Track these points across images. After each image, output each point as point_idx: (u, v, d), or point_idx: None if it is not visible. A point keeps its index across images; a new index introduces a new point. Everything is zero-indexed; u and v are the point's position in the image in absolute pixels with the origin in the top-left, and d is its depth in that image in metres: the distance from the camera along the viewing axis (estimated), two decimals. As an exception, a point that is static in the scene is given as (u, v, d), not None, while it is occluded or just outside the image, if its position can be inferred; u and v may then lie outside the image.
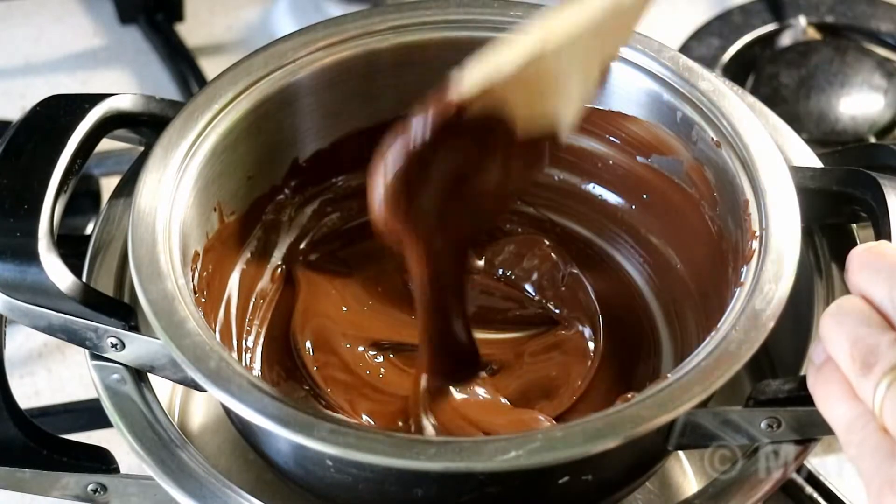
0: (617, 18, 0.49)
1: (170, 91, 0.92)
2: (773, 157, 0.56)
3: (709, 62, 0.87)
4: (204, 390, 0.49)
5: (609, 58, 0.53)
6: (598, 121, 0.64)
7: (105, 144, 0.60)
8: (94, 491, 0.54)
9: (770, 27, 0.91)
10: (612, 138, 0.64)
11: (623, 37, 0.53)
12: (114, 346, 0.53)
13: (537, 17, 0.49)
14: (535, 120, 0.51)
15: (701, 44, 0.90)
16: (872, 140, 0.81)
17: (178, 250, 0.54)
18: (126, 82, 0.94)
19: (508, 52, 0.48)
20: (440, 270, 0.55)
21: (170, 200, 0.55)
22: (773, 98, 0.83)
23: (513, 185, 0.55)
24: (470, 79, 0.48)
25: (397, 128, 0.50)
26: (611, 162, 0.65)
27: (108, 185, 0.79)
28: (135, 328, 0.52)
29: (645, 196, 0.64)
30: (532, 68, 0.48)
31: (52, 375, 0.75)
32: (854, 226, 0.59)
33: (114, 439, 0.54)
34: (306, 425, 0.47)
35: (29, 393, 0.74)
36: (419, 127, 0.48)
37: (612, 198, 0.66)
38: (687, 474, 0.62)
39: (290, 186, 0.64)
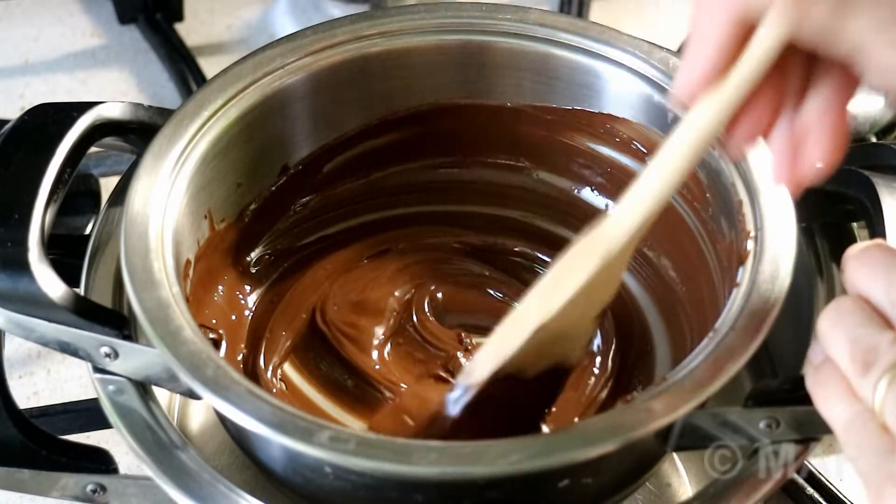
0: (603, 276, 0.51)
1: (169, 91, 0.92)
2: (766, 156, 0.56)
3: (709, 61, 0.87)
4: (200, 398, 0.49)
5: (602, 303, 0.54)
6: (587, 123, 0.63)
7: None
8: (94, 491, 0.54)
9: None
10: (601, 140, 0.64)
11: (613, 285, 0.54)
12: (107, 355, 0.52)
13: (532, 292, 0.52)
14: (542, 362, 0.54)
15: (701, 43, 0.89)
16: (873, 140, 0.81)
17: (172, 258, 0.53)
18: (125, 82, 0.94)
19: (510, 339, 0.51)
20: None
21: (161, 209, 0.55)
22: (774, 97, 0.82)
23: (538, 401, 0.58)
24: (481, 371, 0.53)
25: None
26: (600, 164, 0.65)
27: (108, 184, 0.79)
28: (128, 337, 0.52)
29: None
30: (532, 342, 0.51)
31: (51, 376, 0.75)
32: (854, 225, 0.59)
33: (113, 440, 0.54)
34: (306, 432, 0.46)
35: (28, 393, 0.73)
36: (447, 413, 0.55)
37: (601, 201, 0.66)
38: (686, 475, 0.63)
39: (280, 193, 0.64)
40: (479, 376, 0.53)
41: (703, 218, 0.59)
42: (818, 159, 0.45)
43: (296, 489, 0.54)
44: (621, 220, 0.49)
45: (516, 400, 0.55)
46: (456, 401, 0.54)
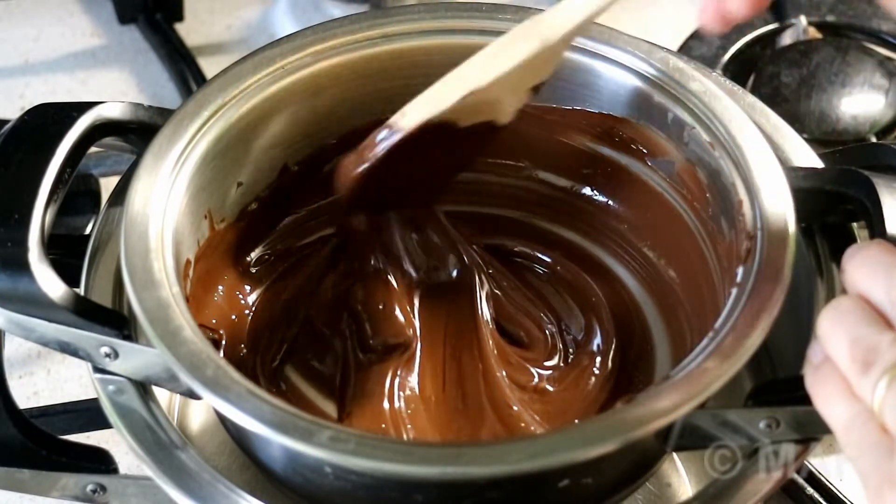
0: (540, 58, 0.56)
1: (169, 91, 0.92)
2: (766, 156, 0.56)
3: (709, 62, 0.87)
4: (200, 398, 0.49)
5: (539, 78, 0.59)
6: (587, 123, 0.63)
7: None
8: (94, 491, 0.54)
9: (771, 26, 0.91)
10: (601, 141, 0.64)
11: (549, 66, 0.59)
12: (107, 355, 0.52)
13: (471, 59, 0.57)
14: (473, 118, 0.58)
15: (702, 43, 0.89)
16: (873, 139, 0.81)
17: (172, 258, 0.53)
18: (125, 82, 0.94)
19: (444, 98, 0.56)
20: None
21: (162, 209, 0.55)
22: (774, 97, 0.83)
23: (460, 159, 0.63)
24: (412, 118, 0.57)
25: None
26: (600, 164, 0.65)
27: (108, 184, 0.79)
28: (128, 337, 0.52)
29: (635, 198, 0.64)
30: (465, 101, 0.56)
31: (51, 376, 0.75)
32: (854, 225, 0.59)
33: (113, 440, 0.54)
34: (306, 432, 0.46)
35: (28, 393, 0.74)
36: (371, 151, 0.58)
37: (601, 200, 0.66)
38: (686, 475, 0.63)
39: (279, 193, 0.64)
40: (410, 122, 0.57)
41: (703, 218, 0.59)
42: (739, 3, 0.52)
43: (296, 489, 0.54)
44: (567, 12, 0.55)
45: (445, 147, 0.59)
46: (385, 139, 0.58)
